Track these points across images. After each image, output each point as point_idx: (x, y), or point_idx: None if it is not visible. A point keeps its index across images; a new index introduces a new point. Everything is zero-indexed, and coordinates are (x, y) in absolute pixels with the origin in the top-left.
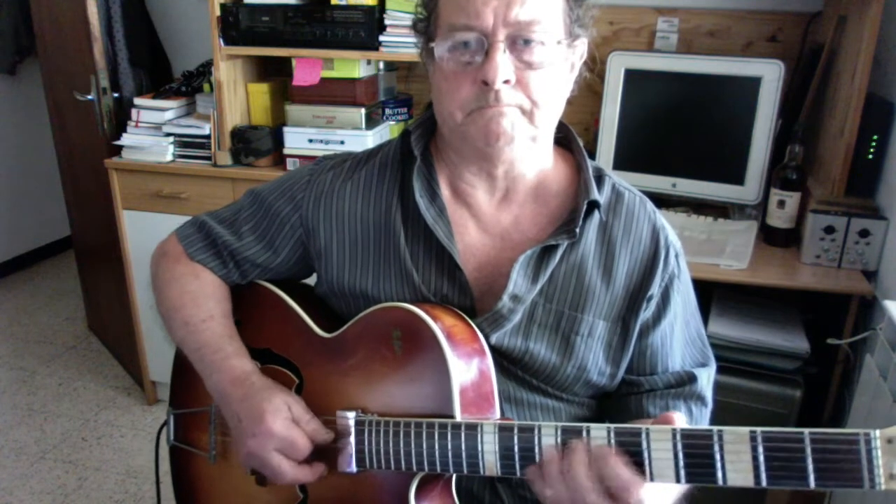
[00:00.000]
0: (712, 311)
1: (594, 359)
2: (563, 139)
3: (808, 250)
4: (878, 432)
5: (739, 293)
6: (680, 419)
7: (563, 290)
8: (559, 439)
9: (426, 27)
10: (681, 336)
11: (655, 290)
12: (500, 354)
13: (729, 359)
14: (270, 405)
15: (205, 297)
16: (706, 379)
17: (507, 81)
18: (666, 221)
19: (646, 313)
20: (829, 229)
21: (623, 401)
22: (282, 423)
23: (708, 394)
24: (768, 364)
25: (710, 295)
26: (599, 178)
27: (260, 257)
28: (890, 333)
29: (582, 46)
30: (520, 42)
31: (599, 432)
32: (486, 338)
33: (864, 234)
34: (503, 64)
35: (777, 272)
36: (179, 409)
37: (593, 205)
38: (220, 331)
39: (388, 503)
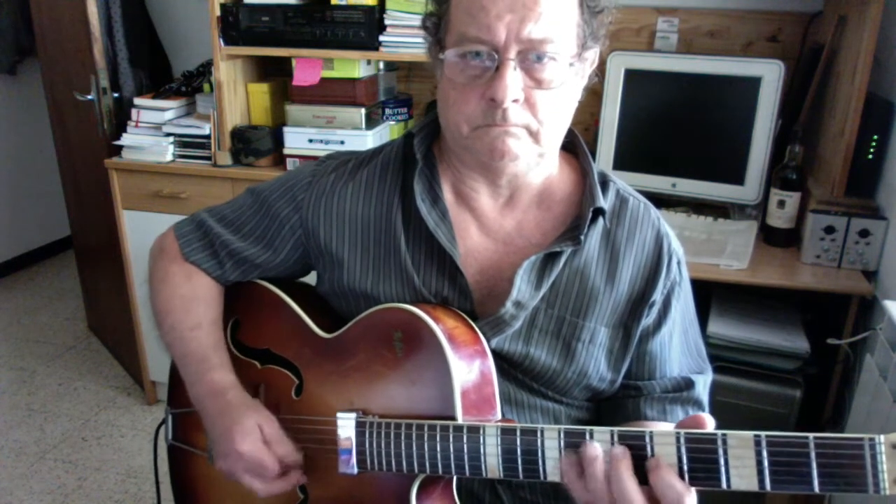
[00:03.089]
0: (712, 311)
1: (595, 365)
2: (569, 144)
3: (808, 250)
4: (882, 437)
5: (739, 293)
6: (710, 421)
7: (566, 296)
8: (563, 442)
9: (436, 28)
10: (679, 344)
11: (658, 296)
12: (500, 358)
13: (729, 359)
14: (241, 426)
15: (195, 301)
16: (703, 385)
17: (515, 100)
18: (669, 228)
19: (647, 319)
20: (829, 229)
21: (620, 403)
22: (250, 445)
23: (705, 400)
24: (768, 364)
25: (710, 295)
26: (604, 183)
27: (259, 257)
28: (890, 333)
29: (593, 55)
30: (531, 58)
31: (603, 436)
32: (487, 341)
33: (864, 234)
34: (513, 83)
35: (777, 272)
36: (178, 408)
37: (598, 212)
38: (206, 341)
39: None
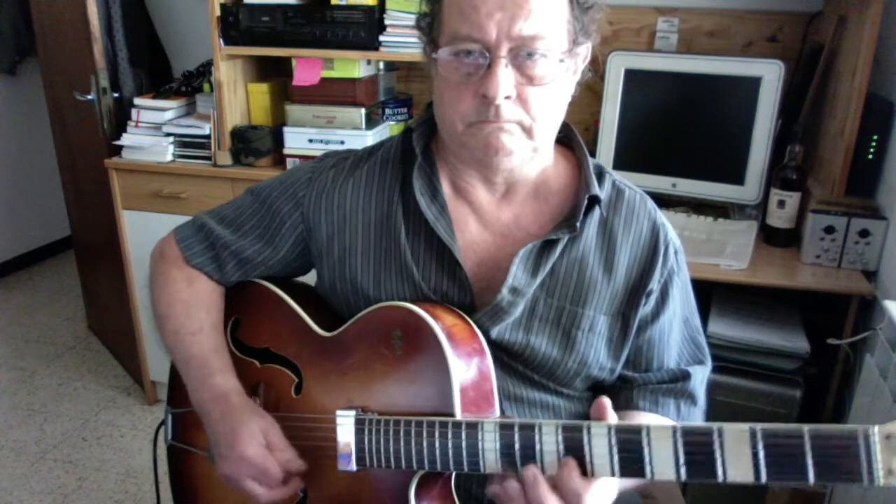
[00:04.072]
0: (712, 311)
1: (595, 354)
2: (565, 137)
3: (808, 250)
4: (876, 428)
5: (739, 293)
6: (607, 404)
7: (564, 284)
8: (560, 438)
9: (430, 28)
10: (678, 333)
11: (655, 285)
12: (500, 349)
13: (729, 359)
14: (245, 430)
15: (196, 306)
16: (700, 378)
17: (508, 97)
18: (666, 219)
19: (645, 308)
20: (829, 229)
21: (616, 394)
22: (255, 450)
23: (699, 393)
24: (768, 364)
25: (710, 295)
26: (600, 174)
27: (260, 255)
28: (890, 333)
29: (585, 51)
30: (522, 55)
31: (600, 430)
32: (487, 332)
33: (864, 234)
34: (505, 80)
35: (777, 272)
36: (178, 408)
37: (594, 200)
38: (207, 344)
39: (388, 502)
